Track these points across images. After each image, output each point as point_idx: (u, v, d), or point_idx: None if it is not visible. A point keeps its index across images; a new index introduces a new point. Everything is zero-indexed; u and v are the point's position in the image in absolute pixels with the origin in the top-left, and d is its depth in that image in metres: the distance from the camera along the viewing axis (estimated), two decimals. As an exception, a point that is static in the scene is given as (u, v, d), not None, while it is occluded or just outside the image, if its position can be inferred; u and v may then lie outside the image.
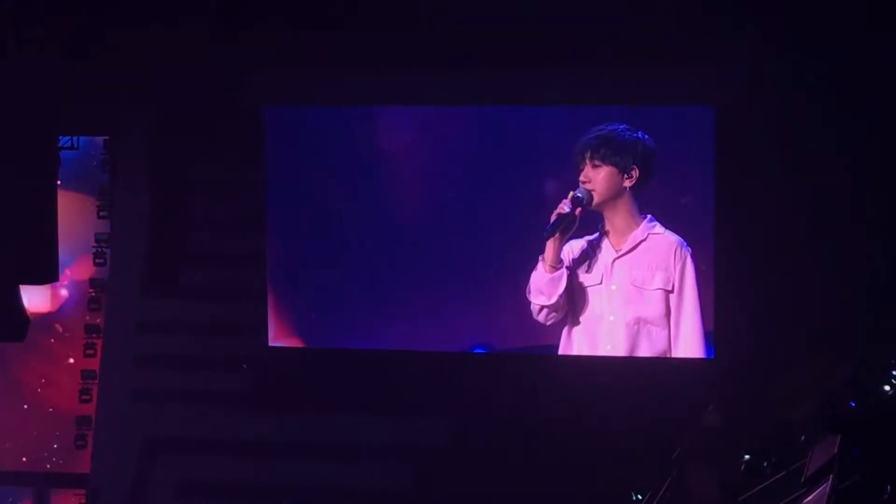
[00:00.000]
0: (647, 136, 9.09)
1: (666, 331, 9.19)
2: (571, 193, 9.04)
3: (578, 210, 9.00)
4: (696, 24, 8.92)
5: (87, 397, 10.19)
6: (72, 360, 10.41)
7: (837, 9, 8.76)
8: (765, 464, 8.49)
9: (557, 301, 9.15)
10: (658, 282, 9.11)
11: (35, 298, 9.96)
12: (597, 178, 9.09)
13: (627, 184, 9.13)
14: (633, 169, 9.08)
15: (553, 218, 9.00)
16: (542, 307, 9.20)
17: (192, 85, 9.56)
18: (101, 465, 9.96)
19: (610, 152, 9.07)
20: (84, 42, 9.32)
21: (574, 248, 9.18)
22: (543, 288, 9.15)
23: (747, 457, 8.58)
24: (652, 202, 9.11)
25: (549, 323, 9.23)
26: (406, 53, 9.30)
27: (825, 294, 8.94)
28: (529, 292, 9.20)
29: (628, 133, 9.10)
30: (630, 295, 9.19)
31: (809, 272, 8.97)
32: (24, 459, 10.40)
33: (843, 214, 8.92)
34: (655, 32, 9.01)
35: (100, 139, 10.23)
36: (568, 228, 9.02)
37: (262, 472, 9.74)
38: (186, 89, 9.58)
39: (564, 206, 8.99)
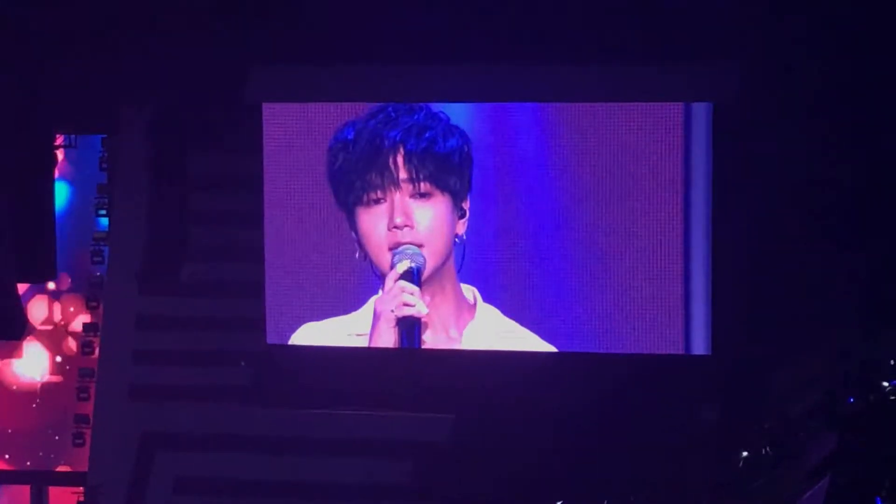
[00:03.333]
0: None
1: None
2: (398, 267, 8.82)
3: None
4: (693, 20, 8.92)
5: (85, 395, 10.20)
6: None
7: (837, 5, 8.77)
8: (763, 459, 8.52)
9: None
10: None
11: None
12: (424, 219, 8.99)
13: (461, 229, 9.13)
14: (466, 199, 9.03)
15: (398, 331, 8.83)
16: None
17: (190, 82, 9.57)
18: (99, 462, 9.95)
19: (440, 168, 8.95)
20: (80, 38, 9.32)
21: None
22: None
23: (745, 453, 8.61)
24: (651, 199, 9.13)
25: None
26: (401, 50, 9.31)
27: (824, 289, 8.94)
28: None
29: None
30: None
31: (808, 267, 8.98)
32: (27, 463, 10.41)
33: (843, 210, 8.94)
34: (652, 28, 9.00)
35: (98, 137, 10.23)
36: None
37: (260, 468, 9.74)
38: (184, 86, 9.59)
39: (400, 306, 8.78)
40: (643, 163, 9.14)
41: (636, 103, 9.15)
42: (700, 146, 9.08)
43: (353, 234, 9.25)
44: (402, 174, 9.03)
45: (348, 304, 9.43)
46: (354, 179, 9.12)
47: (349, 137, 9.21)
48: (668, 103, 9.15)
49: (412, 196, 9.03)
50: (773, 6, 8.80)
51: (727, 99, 9.01)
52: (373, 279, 9.28)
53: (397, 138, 9.07)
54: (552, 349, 9.29)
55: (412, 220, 8.98)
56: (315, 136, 9.51)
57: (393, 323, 8.89)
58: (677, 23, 8.94)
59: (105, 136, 10.18)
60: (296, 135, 9.59)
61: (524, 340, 9.28)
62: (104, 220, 10.29)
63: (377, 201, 9.08)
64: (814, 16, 8.75)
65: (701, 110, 9.07)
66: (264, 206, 9.62)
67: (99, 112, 9.88)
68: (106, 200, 10.20)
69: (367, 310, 9.31)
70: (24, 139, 8.85)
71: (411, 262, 8.87)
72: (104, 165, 10.20)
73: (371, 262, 9.20)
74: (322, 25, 9.36)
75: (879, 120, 8.87)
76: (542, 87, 9.29)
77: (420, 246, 8.97)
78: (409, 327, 8.88)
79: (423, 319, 8.94)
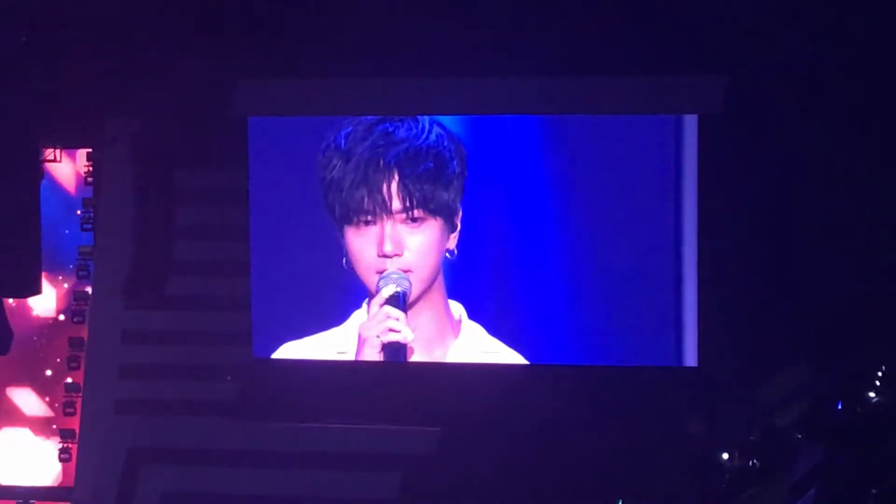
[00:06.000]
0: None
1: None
2: (384, 292, 8.71)
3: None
4: (680, 34, 8.95)
5: (72, 410, 10.15)
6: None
7: (819, 15, 8.80)
8: (749, 471, 8.54)
9: None
10: None
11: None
12: (414, 246, 8.83)
13: (452, 244, 8.95)
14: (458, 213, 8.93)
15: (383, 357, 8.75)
16: None
17: (175, 95, 9.56)
18: (85, 477, 9.93)
19: (434, 192, 8.87)
20: (66, 53, 9.31)
21: None
22: None
23: (731, 464, 8.62)
24: (637, 210, 9.14)
25: None
26: (389, 63, 9.32)
27: (810, 300, 8.96)
28: None
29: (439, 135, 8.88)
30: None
31: (794, 278, 9.00)
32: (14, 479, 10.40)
33: (829, 222, 8.96)
34: (638, 41, 9.02)
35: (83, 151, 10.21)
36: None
37: (247, 482, 9.74)
38: (170, 100, 9.59)
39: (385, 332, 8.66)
40: (633, 176, 9.15)
41: (626, 115, 9.17)
42: (690, 159, 9.09)
43: (341, 242, 9.20)
44: (396, 203, 8.92)
45: (336, 318, 9.40)
46: (346, 198, 8.99)
47: (342, 147, 9.12)
48: (659, 115, 9.18)
49: (403, 222, 8.97)
50: (759, 22, 8.83)
51: (713, 111, 9.04)
52: (357, 293, 9.27)
53: (392, 163, 8.98)
54: (525, 363, 9.31)
55: (402, 248, 8.88)
56: (301, 149, 9.50)
57: (378, 349, 8.82)
58: (665, 37, 8.97)
59: (90, 149, 10.13)
60: (281, 148, 9.58)
61: (508, 360, 9.28)
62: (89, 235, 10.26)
63: (367, 223, 8.98)
64: (798, 31, 8.79)
65: (691, 123, 9.10)
66: (250, 219, 9.61)
67: (85, 126, 9.87)
68: (91, 214, 10.16)
69: (348, 326, 9.29)
70: (10, 153, 8.82)
71: (397, 286, 8.78)
72: (89, 179, 10.16)
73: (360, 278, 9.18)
74: (307, 39, 9.36)
75: (864, 131, 8.91)
76: (531, 99, 9.31)
77: (408, 271, 8.91)
78: (395, 353, 8.82)
79: (408, 345, 8.90)
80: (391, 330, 8.75)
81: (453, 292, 9.19)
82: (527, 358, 9.27)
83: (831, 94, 8.90)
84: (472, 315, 9.25)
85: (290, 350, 9.51)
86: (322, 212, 9.22)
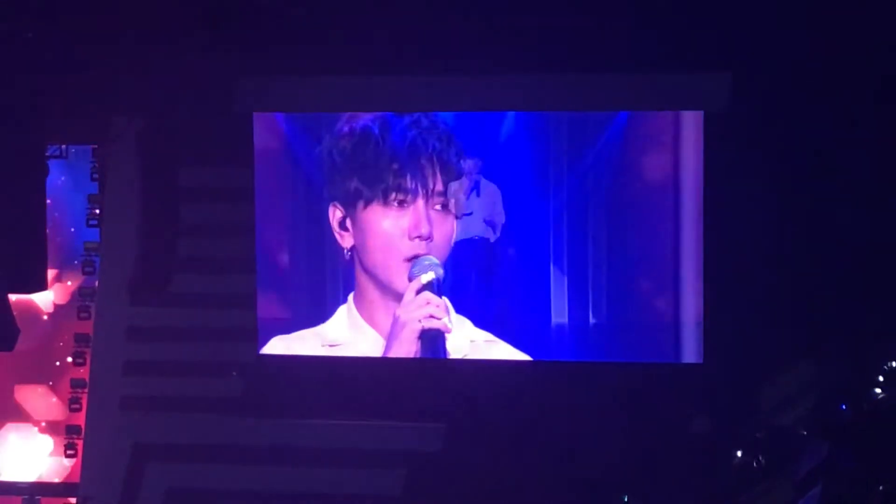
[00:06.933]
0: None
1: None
2: (423, 277, 8.71)
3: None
4: (686, 30, 8.94)
5: (77, 406, 10.19)
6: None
7: (826, 11, 8.79)
8: (755, 468, 8.54)
9: None
10: None
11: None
12: (440, 232, 8.93)
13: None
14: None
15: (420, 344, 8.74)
16: None
17: (180, 92, 9.57)
18: (91, 473, 9.95)
19: (460, 182, 8.89)
20: (71, 49, 9.32)
21: None
22: None
23: (737, 462, 8.63)
24: (642, 207, 9.13)
25: None
26: (394, 60, 9.32)
27: (815, 297, 8.95)
28: None
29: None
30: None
31: (800, 275, 8.99)
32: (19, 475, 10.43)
33: (834, 219, 8.95)
34: (644, 37, 9.01)
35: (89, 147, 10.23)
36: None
37: (252, 478, 9.74)
38: (175, 96, 9.60)
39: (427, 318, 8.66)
40: (639, 172, 9.15)
41: (629, 112, 9.16)
42: (696, 156, 9.09)
43: (346, 230, 9.20)
44: (439, 186, 8.96)
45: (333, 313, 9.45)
46: (387, 177, 9.00)
47: (374, 131, 9.10)
48: (660, 112, 9.17)
49: (434, 206, 8.98)
50: (766, 18, 8.82)
51: (719, 108, 9.03)
52: (345, 287, 9.27)
53: (436, 147, 8.99)
54: (527, 358, 9.29)
55: (433, 232, 8.94)
56: (306, 145, 9.50)
57: (417, 334, 8.82)
58: (671, 34, 8.96)
59: (96, 146, 10.15)
60: (286, 144, 9.59)
61: (500, 350, 9.27)
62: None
63: (401, 204, 9.00)
64: (805, 28, 8.77)
65: (692, 119, 9.08)
66: (255, 215, 9.62)
67: (90, 122, 9.89)
68: (97, 211, 10.18)
69: (337, 319, 9.33)
70: (15, 150, 8.84)
71: (434, 273, 8.81)
72: (95, 175, 10.18)
73: (367, 265, 9.14)
74: (312, 36, 9.35)
75: (871, 128, 8.89)
76: (535, 96, 9.30)
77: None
78: (433, 340, 8.83)
79: (447, 337, 8.89)
80: (432, 316, 8.75)
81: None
82: (517, 348, 9.27)
83: (838, 91, 8.88)
84: (460, 311, 9.25)
85: (276, 345, 9.53)
86: (327, 206, 9.27)
